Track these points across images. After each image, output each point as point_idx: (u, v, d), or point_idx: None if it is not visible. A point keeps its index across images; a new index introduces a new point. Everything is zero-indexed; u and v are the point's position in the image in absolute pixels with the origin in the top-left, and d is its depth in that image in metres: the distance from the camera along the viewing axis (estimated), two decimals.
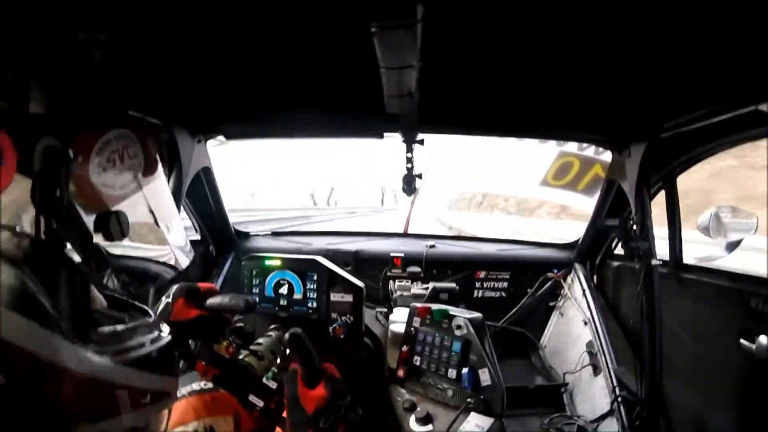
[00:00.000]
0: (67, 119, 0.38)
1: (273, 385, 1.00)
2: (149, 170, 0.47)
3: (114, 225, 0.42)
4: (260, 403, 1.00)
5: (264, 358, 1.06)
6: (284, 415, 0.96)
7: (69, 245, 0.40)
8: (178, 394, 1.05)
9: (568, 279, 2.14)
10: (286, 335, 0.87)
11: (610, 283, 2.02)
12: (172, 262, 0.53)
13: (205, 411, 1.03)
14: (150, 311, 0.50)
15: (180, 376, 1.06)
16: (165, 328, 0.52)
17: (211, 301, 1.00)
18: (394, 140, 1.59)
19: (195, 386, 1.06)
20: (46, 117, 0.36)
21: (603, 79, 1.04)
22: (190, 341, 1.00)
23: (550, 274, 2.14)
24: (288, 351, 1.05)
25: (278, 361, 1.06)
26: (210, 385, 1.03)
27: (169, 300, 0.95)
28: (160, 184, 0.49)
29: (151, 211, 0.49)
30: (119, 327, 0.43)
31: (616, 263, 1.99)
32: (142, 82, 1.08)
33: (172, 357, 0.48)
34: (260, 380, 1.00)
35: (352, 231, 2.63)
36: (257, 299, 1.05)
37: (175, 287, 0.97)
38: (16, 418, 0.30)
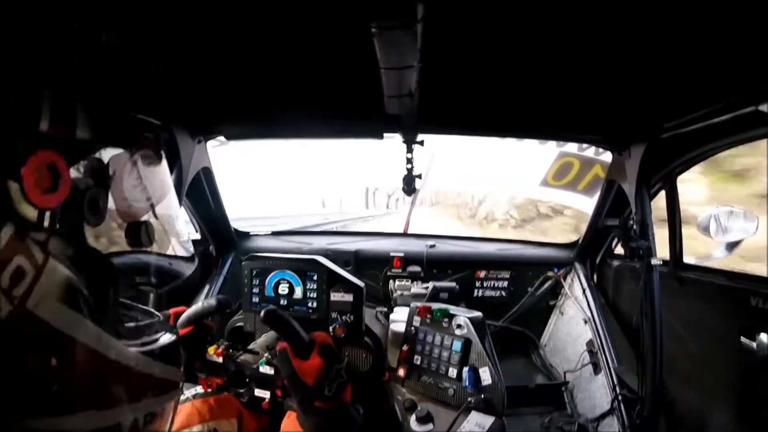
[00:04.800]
0: (107, 142, 0.43)
1: (270, 370, 0.99)
2: (165, 182, 0.53)
3: (144, 233, 0.48)
4: (266, 395, 1.00)
5: (259, 354, 1.06)
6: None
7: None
8: (183, 398, 1.07)
9: (568, 278, 2.14)
10: (261, 314, 0.84)
11: (611, 282, 2.02)
12: (178, 269, 0.58)
13: (209, 414, 1.04)
14: (156, 312, 0.54)
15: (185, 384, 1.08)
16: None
17: (181, 319, 1.01)
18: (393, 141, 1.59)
19: (200, 389, 1.07)
20: (90, 141, 0.40)
21: (603, 79, 1.04)
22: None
23: (550, 273, 2.14)
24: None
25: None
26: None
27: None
28: (172, 195, 0.56)
29: (166, 221, 0.55)
30: (139, 323, 0.48)
31: (616, 262, 1.99)
32: (143, 82, 1.08)
33: (178, 351, 0.52)
34: (257, 371, 1.00)
35: (352, 231, 2.63)
36: (228, 297, 1.04)
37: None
38: (61, 397, 0.35)
